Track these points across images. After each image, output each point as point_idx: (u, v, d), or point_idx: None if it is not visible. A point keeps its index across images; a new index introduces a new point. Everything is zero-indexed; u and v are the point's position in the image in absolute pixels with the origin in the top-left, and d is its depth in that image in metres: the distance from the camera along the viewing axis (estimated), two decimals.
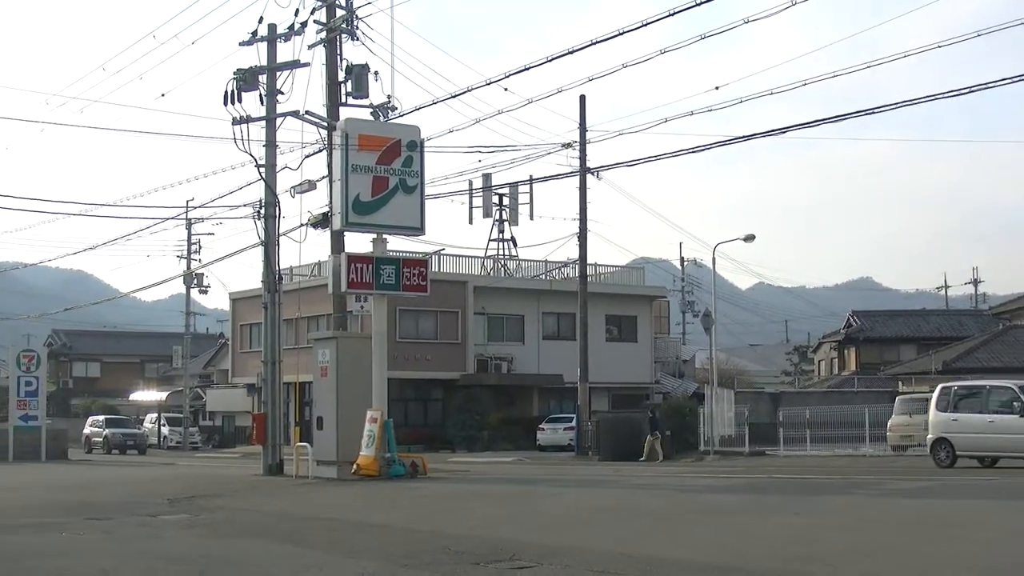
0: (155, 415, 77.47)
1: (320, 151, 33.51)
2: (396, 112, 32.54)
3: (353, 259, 27.72)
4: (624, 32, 27.92)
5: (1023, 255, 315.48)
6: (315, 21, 34.04)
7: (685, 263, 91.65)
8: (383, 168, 27.84)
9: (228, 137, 31.12)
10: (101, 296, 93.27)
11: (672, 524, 16.12)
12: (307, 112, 32.41)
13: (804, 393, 67.19)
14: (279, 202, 32.64)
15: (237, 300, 71.08)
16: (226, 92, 31.10)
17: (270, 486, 27.03)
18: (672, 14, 26.38)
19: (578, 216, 50.42)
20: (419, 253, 42.36)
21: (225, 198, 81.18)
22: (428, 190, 30.85)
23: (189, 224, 69.12)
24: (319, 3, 34.33)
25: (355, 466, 26.79)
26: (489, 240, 71.07)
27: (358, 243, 33.11)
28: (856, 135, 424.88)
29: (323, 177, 32.03)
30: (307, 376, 32.85)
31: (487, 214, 65.73)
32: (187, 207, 59.20)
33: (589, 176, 49.28)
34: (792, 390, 75.08)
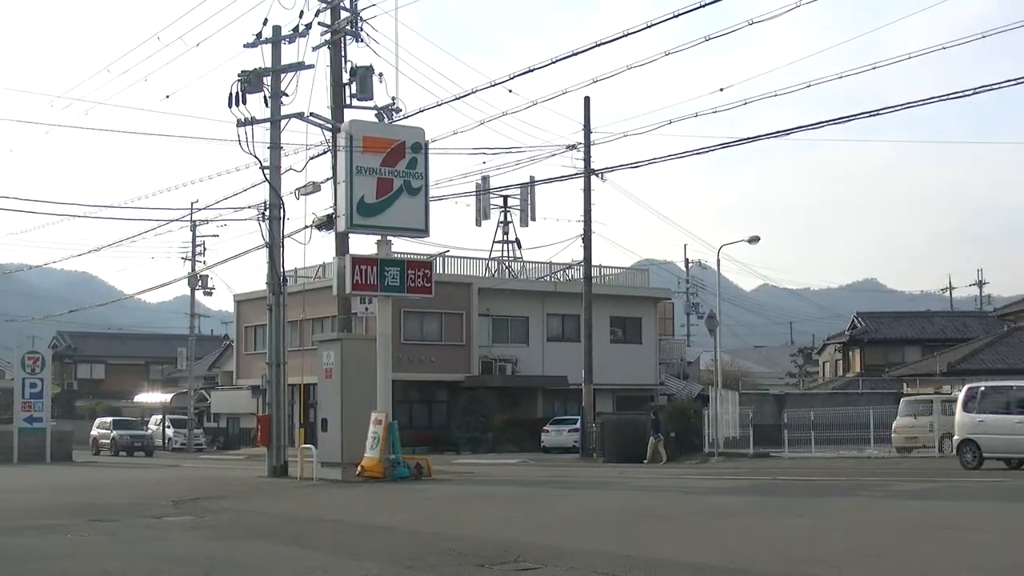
0: (159, 417, 77.49)
1: (324, 153, 33.51)
2: (400, 114, 32.58)
3: (358, 261, 27.75)
4: (629, 34, 27.93)
5: None
6: (319, 23, 34.05)
7: (689, 265, 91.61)
8: (388, 170, 27.86)
9: (233, 139, 31.27)
10: (106, 298, 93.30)
11: (676, 526, 16.12)
12: (311, 114, 32.43)
13: (809, 395, 67.06)
14: (284, 204, 32.67)
15: (242, 302, 71.10)
16: (231, 94, 31.14)
17: (274, 488, 27.05)
18: (676, 16, 26.38)
19: (582, 218, 50.39)
20: (424, 255, 42.37)
21: (230, 200, 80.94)
22: (432, 192, 30.97)
23: (194, 226, 69.19)
24: (323, 5, 34.34)
25: (359, 468, 26.80)
26: (494, 242, 71.12)
27: (363, 245, 33.16)
28: (860, 137, 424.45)
29: (328, 179, 32.03)
30: (312, 378, 32.86)
31: (486, 217, 65.75)
32: (192, 209, 59.31)
33: (593, 178, 49.24)
34: (797, 392, 74.94)
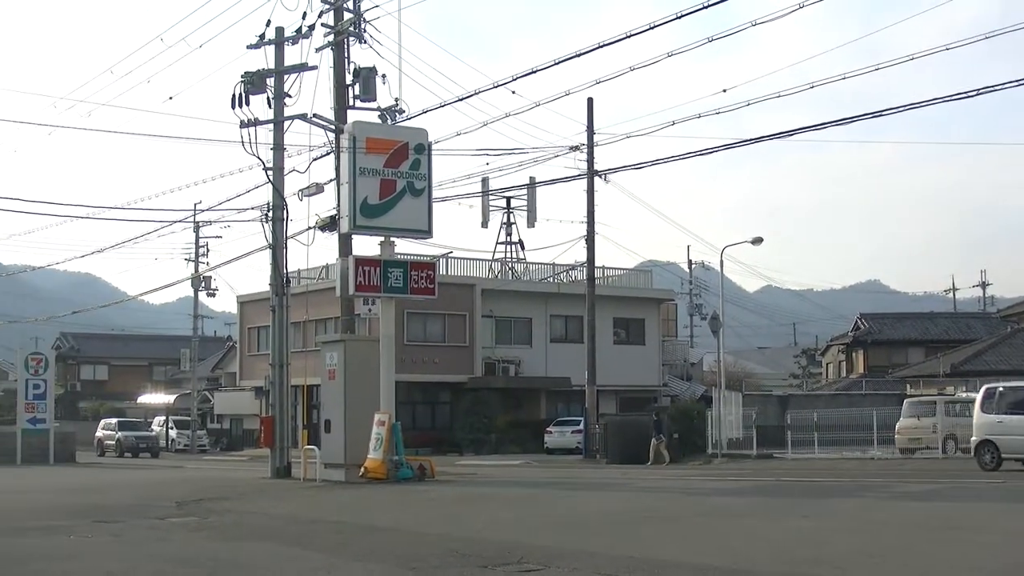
0: (163, 418, 77.49)
1: (328, 154, 33.53)
2: (404, 115, 32.60)
3: (361, 262, 27.74)
4: (632, 35, 27.94)
5: None
6: (323, 24, 34.06)
7: (693, 266, 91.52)
8: (391, 171, 27.86)
9: (236, 140, 31.15)
10: (109, 299, 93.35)
11: (680, 527, 16.12)
12: (315, 115, 32.43)
13: (812, 396, 66.99)
14: (287, 205, 32.65)
15: (245, 303, 71.16)
16: (234, 95, 31.13)
17: (278, 489, 27.05)
18: (679, 17, 26.39)
19: (585, 219, 50.35)
20: (427, 256, 42.34)
21: (233, 201, 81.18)
22: (436, 193, 30.91)
23: (197, 227, 69.22)
24: (326, 6, 34.34)
25: (363, 469, 26.80)
26: (497, 243, 71.11)
27: (366, 246, 33.17)
28: (864, 137, 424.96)
29: (331, 180, 32.06)
30: (315, 379, 32.85)
31: (485, 225, 65.88)
32: (195, 210, 59.41)
33: (597, 179, 49.20)
34: (800, 393, 74.85)
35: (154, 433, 70.64)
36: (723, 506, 20.06)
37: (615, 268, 71.97)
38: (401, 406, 31.01)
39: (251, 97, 31.29)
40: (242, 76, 31.22)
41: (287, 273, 33.70)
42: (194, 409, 74.78)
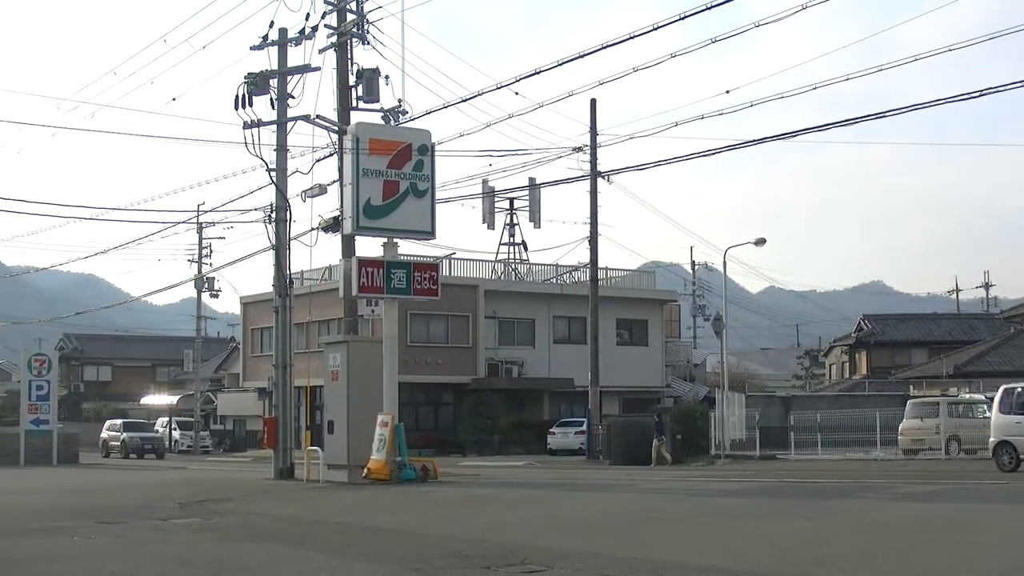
0: (166, 419, 77.48)
1: (331, 155, 33.56)
2: (407, 116, 32.63)
3: (364, 263, 27.75)
4: (635, 36, 27.96)
5: None
6: (326, 25, 34.10)
7: (696, 267, 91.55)
8: (394, 172, 27.87)
9: (239, 141, 31.15)
10: (112, 300, 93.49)
11: (682, 528, 16.12)
12: (318, 116, 32.44)
13: (815, 397, 66.98)
14: (290, 206, 32.66)
15: (248, 304, 71.16)
16: (237, 96, 31.14)
17: (281, 490, 27.06)
18: (683, 18, 26.43)
19: (588, 220, 50.39)
20: (430, 257, 42.35)
21: (236, 202, 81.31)
22: (439, 194, 30.93)
23: (200, 228, 69.20)
24: (330, 7, 34.37)
25: (366, 470, 26.81)
26: (500, 244, 71.14)
27: (369, 247, 33.17)
28: (867, 139, 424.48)
29: (334, 181, 32.05)
30: (318, 380, 32.89)
31: (491, 227, 65.89)
32: (198, 211, 59.42)
33: (600, 180, 49.24)
34: (803, 394, 74.84)
35: (159, 434, 70.60)
36: (726, 507, 20.06)
37: (618, 269, 72.09)
38: (404, 407, 30.97)
39: (254, 98, 31.30)
40: (245, 77, 31.23)
41: (290, 274, 33.69)
42: (197, 410, 74.76)
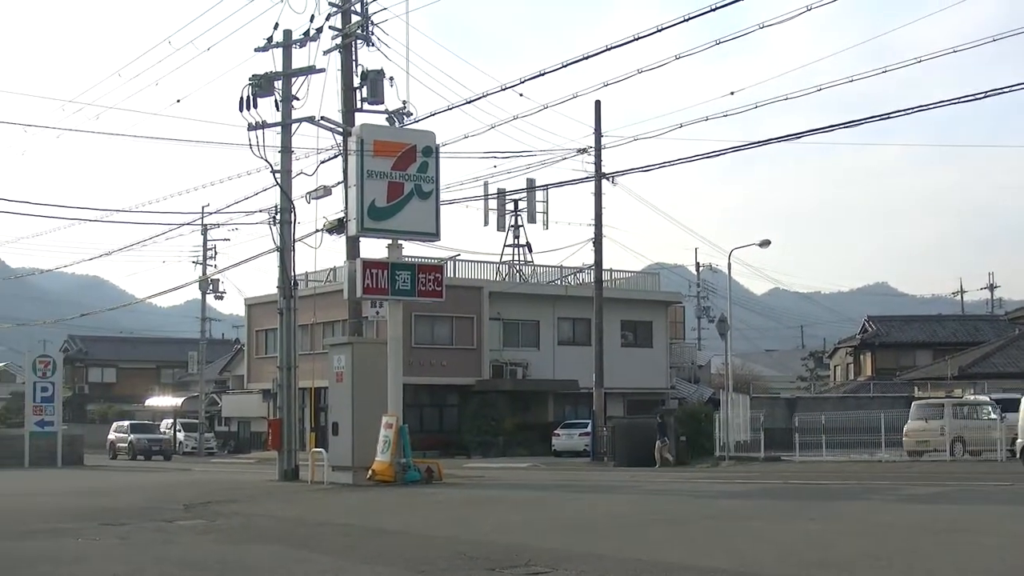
0: (171, 421, 77.53)
1: (335, 157, 33.57)
2: (411, 118, 32.63)
3: (368, 265, 27.72)
4: (639, 38, 27.92)
5: None
6: (330, 27, 34.11)
7: (700, 268, 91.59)
8: (398, 174, 27.85)
9: (244, 143, 31.23)
10: (117, 302, 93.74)
11: (687, 529, 16.10)
12: (322, 118, 32.49)
13: (820, 398, 67.01)
14: (295, 208, 32.71)
15: (253, 306, 71.17)
16: (242, 98, 31.21)
17: (285, 492, 27.07)
18: (687, 19, 26.40)
19: (593, 221, 50.41)
20: (434, 259, 42.35)
21: (241, 204, 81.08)
22: (443, 196, 30.93)
23: (205, 230, 69.28)
24: (334, 9, 34.38)
25: (370, 472, 26.79)
26: (504, 245, 71.17)
27: (373, 249, 33.16)
28: (871, 140, 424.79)
29: (338, 183, 32.10)
30: (322, 382, 32.87)
31: (501, 228, 66.06)
32: (203, 213, 59.51)
33: (604, 181, 49.22)
34: (808, 395, 74.84)
35: (166, 436, 70.57)
36: (730, 509, 20.04)
37: (623, 271, 72.19)
38: (408, 409, 30.98)
39: (259, 100, 31.40)
40: (250, 79, 31.29)
41: (295, 276, 33.74)
42: (202, 412, 74.86)
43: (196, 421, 74.70)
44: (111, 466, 52.94)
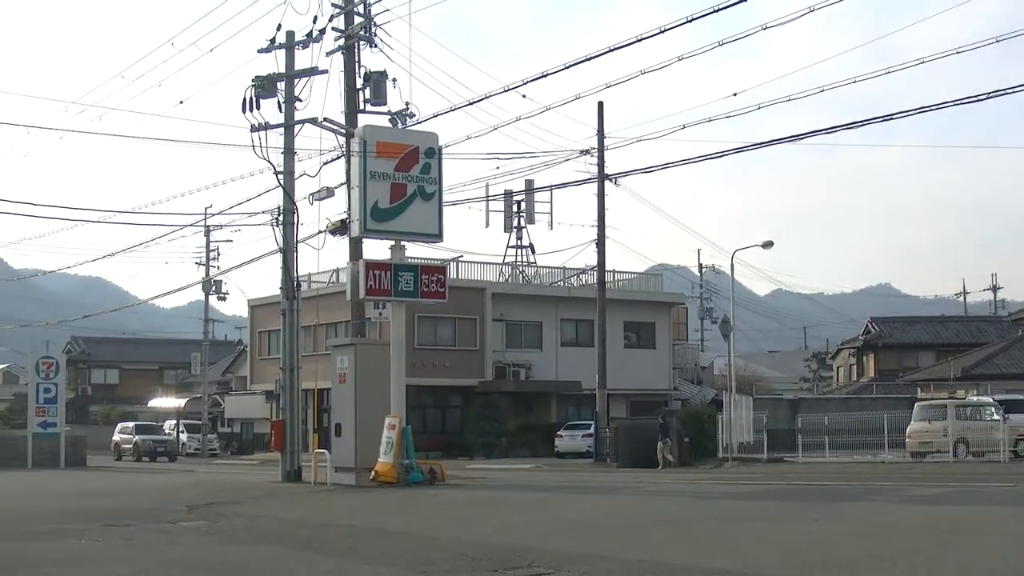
0: (174, 422, 77.50)
1: (338, 158, 33.57)
2: (414, 119, 32.69)
3: (371, 266, 27.73)
4: (642, 39, 27.89)
5: None
6: (333, 28, 34.13)
7: (703, 269, 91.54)
8: (401, 175, 27.85)
9: (246, 144, 31.23)
10: (120, 303, 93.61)
11: (690, 531, 16.11)
12: (325, 119, 32.49)
13: (823, 399, 66.93)
14: (297, 209, 32.70)
15: (255, 307, 71.14)
16: (244, 99, 31.21)
17: (288, 493, 27.09)
18: (690, 21, 26.40)
19: (596, 223, 50.37)
20: (437, 260, 42.36)
21: (243, 205, 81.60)
22: (446, 197, 30.91)
23: (207, 231, 69.27)
24: (337, 10, 34.41)
25: (373, 473, 26.79)
26: (507, 247, 71.14)
27: (376, 250, 33.19)
28: (874, 141, 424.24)
29: (341, 184, 32.10)
30: (325, 383, 32.89)
31: (507, 228, 66.16)
32: (205, 214, 59.51)
33: (607, 182, 49.22)
34: (811, 396, 74.73)
35: (171, 437, 70.49)
36: (734, 510, 20.04)
37: (626, 272, 72.03)
38: (411, 410, 31.00)
39: (262, 101, 31.40)
40: (253, 80, 31.30)
41: (298, 277, 33.74)
42: (205, 413, 74.84)
43: (199, 422, 74.67)
44: (114, 467, 52.93)
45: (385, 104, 33.48)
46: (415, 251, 37.41)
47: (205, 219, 60.78)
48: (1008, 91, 28.05)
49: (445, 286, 28.79)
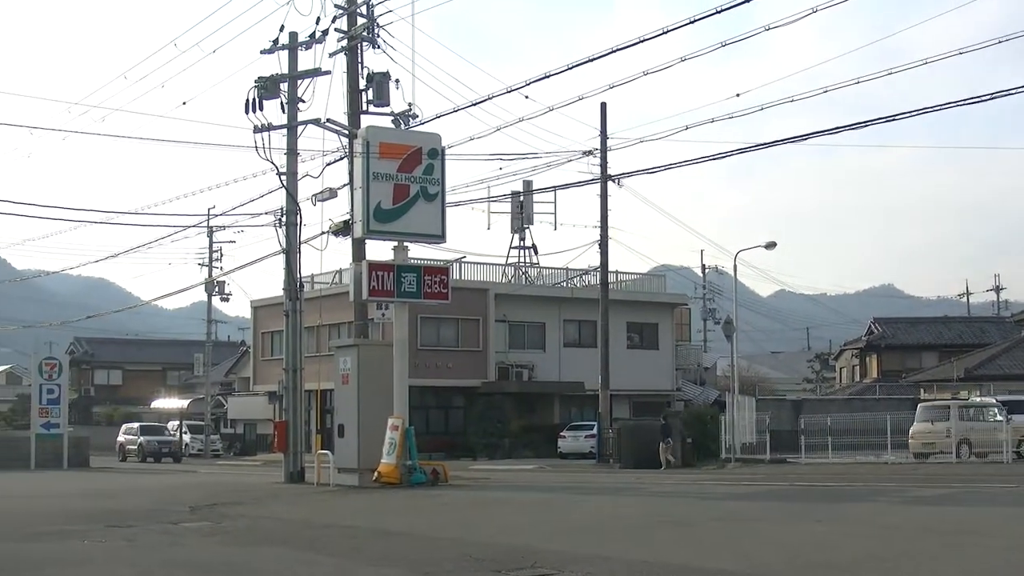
0: (176, 423, 77.46)
1: (341, 159, 33.56)
2: (417, 120, 32.67)
3: (374, 267, 27.74)
4: (645, 40, 27.88)
5: None
6: (336, 29, 34.13)
7: (706, 270, 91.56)
8: (404, 176, 27.85)
9: (249, 145, 31.24)
10: (123, 304, 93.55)
11: (693, 531, 16.10)
12: (328, 120, 32.48)
13: (826, 400, 66.92)
14: (300, 210, 32.69)
15: (258, 308, 71.17)
16: (247, 100, 31.20)
17: (291, 494, 27.08)
18: (693, 22, 26.38)
19: (599, 223, 50.35)
20: (440, 261, 42.39)
21: (246, 206, 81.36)
22: (449, 198, 30.92)
23: (211, 232, 69.33)
24: (340, 11, 34.41)
25: (376, 474, 26.79)
26: (510, 247, 71.13)
27: (379, 251, 33.20)
28: (877, 142, 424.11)
29: (344, 185, 32.08)
30: (328, 384, 32.90)
31: (515, 228, 66.14)
32: (208, 215, 59.54)
33: (610, 183, 49.19)
34: (814, 397, 74.71)
35: (176, 438, 70.39)
36: (736, 510, 20.03)
37: (629, 273, 72.01)
38: (414, 411, 30.99)
39: (265, 102, 31.38)
40: (256, 81, 31.29)
41: (301, 278, 33.74)
42: (208, 414, 74.86)
43: (202, 423, 74.68)
44: (116, 468, 52.90)
45: (388, 105, 33.49)
46: (418, 252, 37.46)
47: (208, 220, 60.86)
48: (1012, 91, 28.06)
49: (448, 287, 28.80)
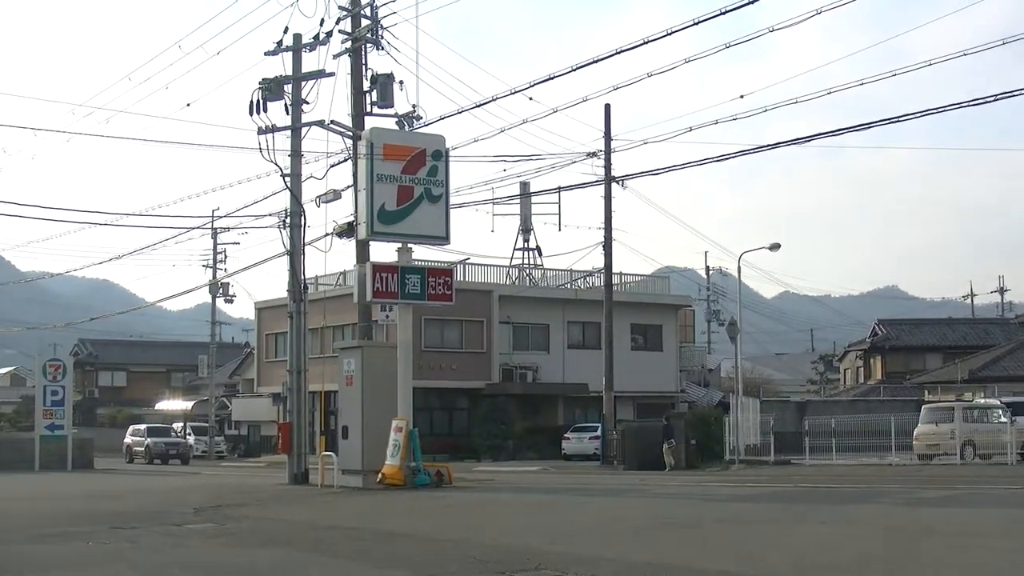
0: (180, 425, 77.45)
1: (345, 160, 33.58)
2: (421, 121, 32.63)
3: (378, 268, 27.73)
4: (649, 41, 27.89)
5: None
6: (340, 31, 34.12)
7: (710, 272, 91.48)
8: (408, 177, 27.85)
9: (253, 147, 31.24)
10: (127, 305, 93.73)
11: (697, 533, 16.10)
12: (332, 122, 32.46)
13: (830, 402, 66.96)
14: (304, 211, 32.71)
15: (263, 309, 71.15)
16: (251, 102, 31.20)
17: (295, 495, 27.09)
18: (697, 23, 26.39)
19: (603, 225, 50.35)
20: (444, 262, 42.34)
21: (250, 208, 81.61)
22: (453, 199, 30.89)
23: (215, 233, 69.22)
24: (344, 13, 34.40)
25: (380, 475, 26.79)
26: (514, 249, 71.12)
27: (383, 252, 33.19)
28: (881, 143, 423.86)
29: (348, 186, 32.08)
30: (332, 385, 32.89)
31: (523, 228, 66.18)
32: (213, 216, 59.43)
33: (614, 185, 49.19)
34: (818, 399, 74.73)
35: (183, 439, 70.25)
36: (741, 512, 20.02)
37: (633, 274, 71.93)
38: (418, 412, 30.91)
39: (269, 104, 31.39)
40: (260, 83, 31.29)
41: (305, 279, 33.74)
42: (212, 415, 74.78)
43: (206, 425, 74.58)
44: (121, 469, 52.82)
45: (392, 106, 33.47)
46: (422, 253, 37.32)
47: (212, 221, 60.77)
48: (1015, 92, 28.06)
49: (452, 288, 28.78)
